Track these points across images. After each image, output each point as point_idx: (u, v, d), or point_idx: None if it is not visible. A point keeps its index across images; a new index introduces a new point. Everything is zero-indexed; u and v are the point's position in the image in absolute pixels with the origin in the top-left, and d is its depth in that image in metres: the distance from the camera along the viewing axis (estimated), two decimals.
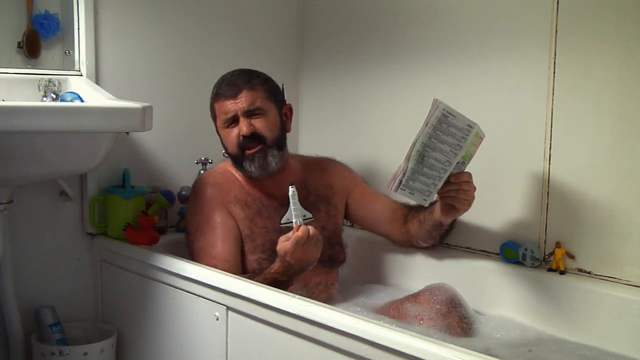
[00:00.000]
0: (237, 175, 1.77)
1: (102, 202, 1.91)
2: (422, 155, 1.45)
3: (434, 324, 1.54)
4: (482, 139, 1.56)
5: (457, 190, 1.56)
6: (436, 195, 1.57)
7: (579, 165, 1.62)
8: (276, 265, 1.53)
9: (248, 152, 1.69)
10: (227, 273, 1.54)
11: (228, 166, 1.79)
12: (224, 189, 1.74)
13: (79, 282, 1.94)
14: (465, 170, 1.58)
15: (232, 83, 1.71)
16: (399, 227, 1.82)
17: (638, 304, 1.48)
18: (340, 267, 1.82)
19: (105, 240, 1.90)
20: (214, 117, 1.76)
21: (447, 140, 1.47)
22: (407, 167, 1.47)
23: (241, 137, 1.68)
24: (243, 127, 1.68)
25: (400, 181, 1.49)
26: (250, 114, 1.69)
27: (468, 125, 1.48)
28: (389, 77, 2.04)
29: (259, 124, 1.69)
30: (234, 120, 1.70)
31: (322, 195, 1.81)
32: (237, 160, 1.71)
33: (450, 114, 1.44)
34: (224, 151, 1.77)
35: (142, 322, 1.78)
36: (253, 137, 1.68)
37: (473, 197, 1.59)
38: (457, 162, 1.52)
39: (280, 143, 1.73)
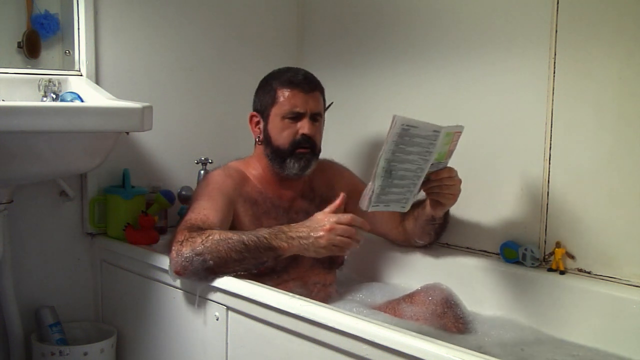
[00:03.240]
0: (250, 175, 1.74)
1: (102, 202, 1.91)
2: (388, 171, 1.45)
3: (429, 324, 1.54)
4: (460, 133, 1.53)
5: (439, 186, 1.57)
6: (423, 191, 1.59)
7: (579, 166, 1.62)
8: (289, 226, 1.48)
9: (300, 150, 1.66)
10: (227, 275, 1.52)
11: (240, 166, 1.76)
12: (237, 183, 1.70)
13: (79, 282, 1.94)
14: (448, 165, 1.57)
15: (308, 78, 1.68)
16: (396, 226, 1.82)
17: (638, 304, 1.48)
18: (338, 269, 1.82)
19: (105, 240, 1.90)
20: (273, 101, 1.68)
21: (413, 150, 1.45)
22: (375, 185, 1.47)
23: (300, 135, 1.65)
24: (308, 126, 1.65)
25: (370, 199, 1.48)
26: (314, 116, 1.67)
27: (434, 131, 1.45)
28: (389, 78, 2.04)
29: (316, 130, 1.68)
30: (298, 116, 1.66)
31: (325, 197, 1.80)
32: (281, 154, 1.67)
33: (411, 126, 1.41)
34: (258, 138, 1.72)
35: (142, 322, 1.78)
36: (309, 140, 1.66)
37: (459, 190, 1.60)
38: (432, 164, 1.51)
39: (319, 153, 1.73)
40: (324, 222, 1.43)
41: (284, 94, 1.66)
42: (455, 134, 1.51)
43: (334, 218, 1.43)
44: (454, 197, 1.60)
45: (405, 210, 1.56)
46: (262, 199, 1.72)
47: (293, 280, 1.67)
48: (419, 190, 1.57)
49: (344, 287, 1.81)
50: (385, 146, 1.41)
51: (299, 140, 1.66)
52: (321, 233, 1.42)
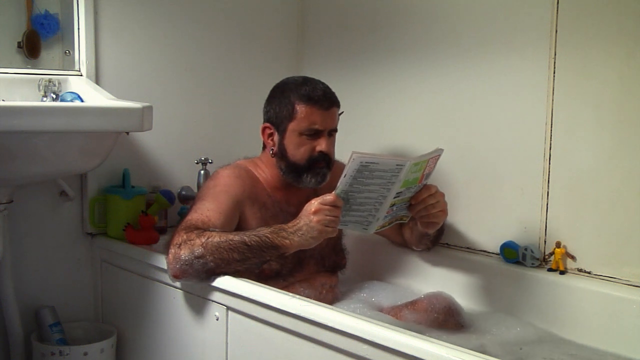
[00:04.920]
0: (260, 177, 1.72)
1: (102, 202, 1.91)
2: (346, 199, 1.46)
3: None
4: (438, 156, 1.52)
5: (425, 207, 1.56)
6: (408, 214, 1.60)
7: (579, 165, 1.62)
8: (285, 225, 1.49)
9: (318, 165, 1.65)
10: (227, 275, 1.52)
11: (249, 165, 1.73)
12: (246, 184, 1.68)
13: (79, 282, 1.94)
14: (428, 183, 1.56)
15: (326, 94, 1.65)
16: (396, 229, 1.82)
17: (638, 304, 1.48)
18: (340, 272, 1.82)
19: (105, 240, 1.90)
20: (290, 116, 1.64)
21: (373, 182, 1.44)
22: None
23: (318, 153, 1.64)
24: (325, 144, 1.64)
25: None
26: (330, 132, 1.67)
27: (397, 165, 1.43)
28: (389, 77, 2.04)
29: (332, 145, 1.68)
30: (316, 133, 1.64)
31: None
32: (297, 169, 1.66)
33: (370, 162, 1.40)
34: (271, 151, 1.69)
35: (142, 322, 1.78)
36: (326, 157, 1.66)
37: (445, 204, 1.59)
38: (406, 189, 1.50)
39: (333, 165, 1.71)
40: (310, 207, 1.45)
41: (302, 110, 1.63)
42: (430, 160, 1.49)
43: (318, 200, 1.45)
44: (443, 212, 1.59)
45: (369, 232, 1.56)
46: (271, 202, 1.70)
47: (299, 282, 1.67)
48: (392, 216, 1.56)
49: (346, 287, 1.82)
50: (343, 179, 1.42)
51: (316, 157, 1.65)
52: (312, 217, 1.44)
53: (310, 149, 1.65)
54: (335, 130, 1.69)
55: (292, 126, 1.64)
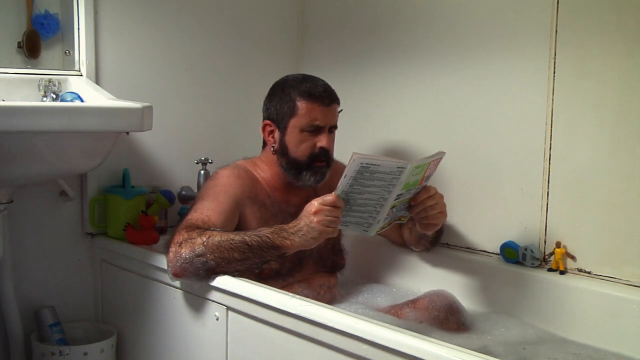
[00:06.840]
0: (259, 177, 1.73)
1: (102, 202, 1.91)
2: (346, 200, 1.46)
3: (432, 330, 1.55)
4: (439, 159, 1.52)
5: (424, 209, 1.56)
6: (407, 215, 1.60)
7: (579, 165, 1.62)
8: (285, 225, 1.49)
9: (318, 164, 1.66)
10: (227, 274, 1.52)
11: (249, 166, 1.74)
12: (246, 184, 1.68)
13: (79, 282, 1.94)
14: (427, 185, 1.56)
15: (327, 91, 1.66)
16: (395, 229, 1.83)
17: (638, 304, 1.48)
18: (339, 272, 1.82)
19: (105, 240, 1.90)
20: (291, 113, 1.65)
21: (374, 184, 1.44)
22: None
23: (319, 149, 1.65)
24: (326, 140, 1.65)
25: None
26: (331, 129, 1.67)
27: (398, 167, 1.42)
28: (389, 77, 2.04)
29: (332, 142, 1.69)
30: (317, 129, 1.65)
31: None
32: (298, 166, 1.66)
33: (371, 164, 1.40)
34: (272, 148, 1.69)
35: (142, 322, 1.78)
36: (327, 153, 1.66)
37: (444, 205, 1.59)
38: (406, 191, 1.49)
39: (332, 164, 1.71)
40: (311, 208, 1.45)
41: (303, 106, 1.64)
42: (431, 162, 1.50)
43: (318, 200, 1.45)
44: (442, 213, 1.59)
45: (370, 234, 1.55)
46: (271, 202, 1.71)
47: (298, 282, 1.67)
48: (391, 217, 1.56)
49: (345, 288, 1.82)
50: (343, 180, 1.42)
51: (317, 153, 1.65)
52: (312, 217, 1.44)
53: (311, 146, 1.65)
54: (336, 127, 1.70)
55: (293, 122, 1.65)
